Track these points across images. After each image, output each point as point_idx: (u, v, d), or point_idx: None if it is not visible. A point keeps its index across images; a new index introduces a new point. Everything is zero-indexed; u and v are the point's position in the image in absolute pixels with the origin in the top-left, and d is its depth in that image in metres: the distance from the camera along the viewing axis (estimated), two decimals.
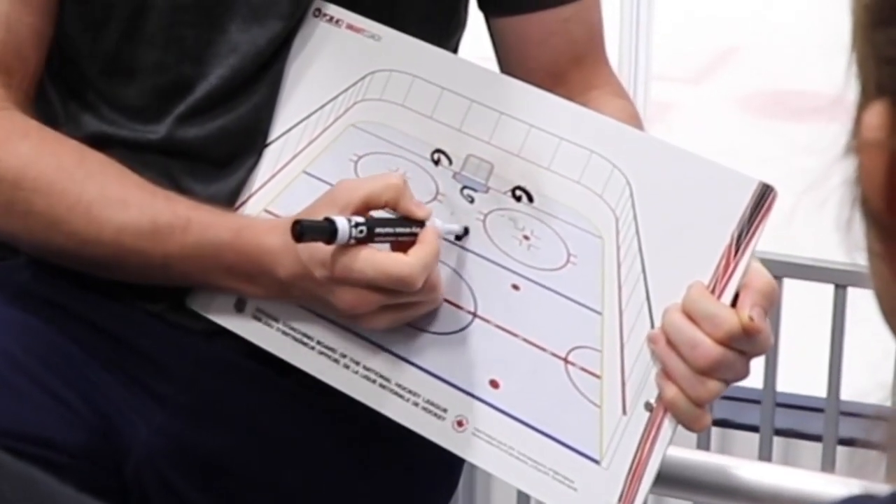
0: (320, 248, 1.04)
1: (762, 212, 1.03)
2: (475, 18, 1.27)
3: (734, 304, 1.01)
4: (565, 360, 1.07)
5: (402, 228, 1.06)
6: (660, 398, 1.02)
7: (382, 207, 1.06)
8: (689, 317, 1.01)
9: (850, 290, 1.93)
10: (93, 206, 1.10)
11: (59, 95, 1.18)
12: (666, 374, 1.01)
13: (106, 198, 1.10)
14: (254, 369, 1.18)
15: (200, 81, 1.15)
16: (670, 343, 1.01)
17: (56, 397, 1.15)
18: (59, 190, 1.10)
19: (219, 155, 1.16)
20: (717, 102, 4.55)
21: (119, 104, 1.16)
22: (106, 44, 1.15)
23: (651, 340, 1.03)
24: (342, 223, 1.02)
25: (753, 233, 1.03)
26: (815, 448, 2.04)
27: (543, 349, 1.07)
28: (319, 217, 1.04)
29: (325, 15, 1.17)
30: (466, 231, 1.10)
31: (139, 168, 1.13)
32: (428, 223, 1.07)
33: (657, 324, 1.03)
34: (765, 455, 2.01)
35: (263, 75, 1.16)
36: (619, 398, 1.04)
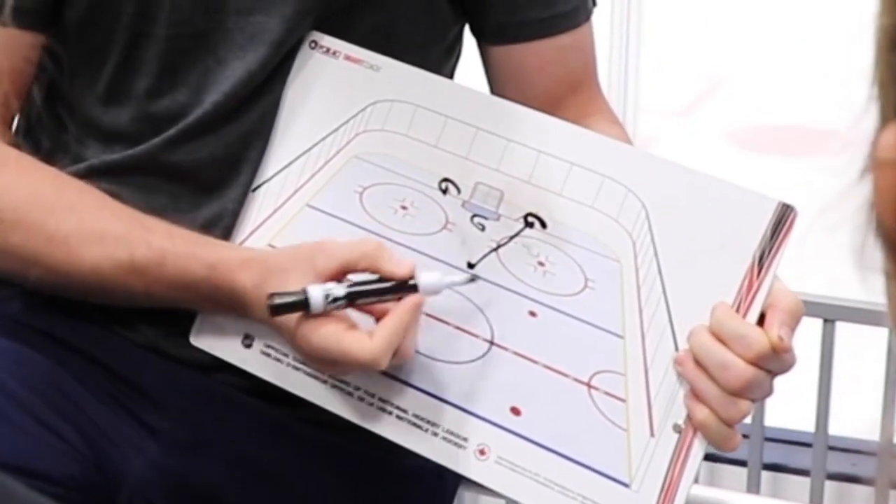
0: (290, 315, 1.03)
1: (783, 231, 1.03)
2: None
3: (759, 323, 1.01)
4: (588, 385, 1.06)
5: (386, 294, 1.03)
6: (689, 419, 1.02)
7: (361, 272, 1.05)
8: (718, 338, 1.01)
9: (839, 325, 1.93)
10: (70, 239, 1.10)
11: (56, 127, 1.19)
12: (695, 395, 1.01)
13: (83, 230, 1.10)
14: (249, 403, 1.18)
15: (194, 108, 1.15)
16: (699, 364, 1.01)
17: (50, 429, 1.15)
18: (36, 222, 1.10)
19: (204, 181, 1.16)
20: (704, 135, 4.57)
21: (113, 131, 1.17)
22: (105, 72, 1.16)
23: (678, 362, 1.03)
24: (316, 297, 1.02)
25: (776, 252, 1.03)
26: (803, 482, 2.04)
27: (565, 375, 1.07)
28: (296, 283, 1.03)
29: (321, 47, 1.17)
30: (473, 279, 1.08)
31: (123, 191, 1.14)
32: (419, 280, 1.04)
33: (681, 345, 1.03)
34: (753, 489, 2.01)
35: (254, 103, 1.16)
36: (646, 421, 1.04)
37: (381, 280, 1.04)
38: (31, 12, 1.15)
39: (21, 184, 1.12)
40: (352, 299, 1.03)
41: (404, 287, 1.03)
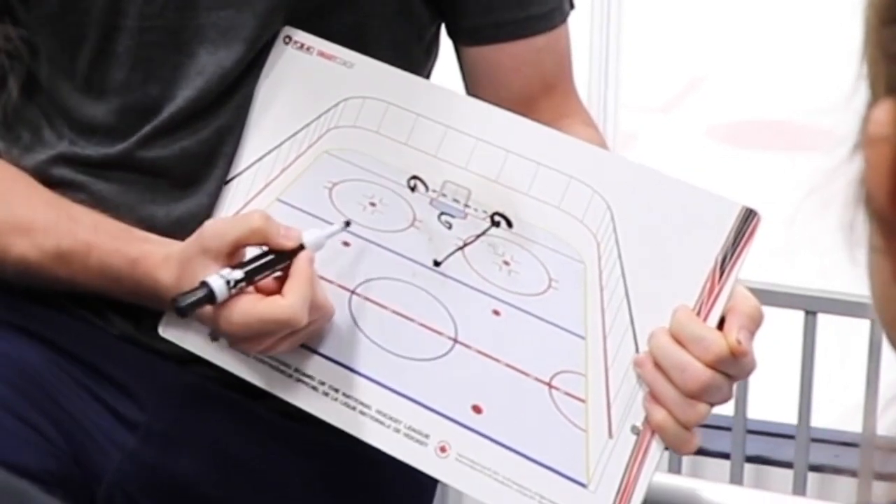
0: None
1: (746, 236, 1.03)
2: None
3: (720, 327, 1.02)
4: (549, 385, 1.06)
5: (278, 265, 1.06)
6: (647, 421, 1.03)
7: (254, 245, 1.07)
8: (677, 340, 1.01)
9: (820, 317, 1.94)
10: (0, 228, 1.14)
11: (34, 120, 1.19)
12: (654, 397, 1.01)
13: (12, 218, 1.14)
14: (226, 396, 1.18)
15: (167, 103, 1.15)
16: (658, 366, 1.01)
17: (27, 423, 1.15)
18: None
19: (179, 176, 1.17)
20: (685, 131, 4.58)
21: (89, 124, 1.17)
22: (80, 63, 1.16)
23: (637, 364, 1.03)
24: (219, 286, 1.03)
25: (738, 257, 1.03)
26: (786, 474, 2.05)
27: (526, 374, 1.07)
28: (202, 272, 1.04)
29: (295, 42, 1.17)
30: (347, 224, 1.11)
31: (99, 185, 1.15)
32: (305, 240, 1.07)
33: (641, 347, 1.03)
34: (736, 481, 2.02)
35: (228, 99, 1.16)
36: (604, 422, 1.04)
37: (271, 251, 1.07)
38: None
39: None
40: (250, 277, 1.05)
41: (294, 252, 1.07)
